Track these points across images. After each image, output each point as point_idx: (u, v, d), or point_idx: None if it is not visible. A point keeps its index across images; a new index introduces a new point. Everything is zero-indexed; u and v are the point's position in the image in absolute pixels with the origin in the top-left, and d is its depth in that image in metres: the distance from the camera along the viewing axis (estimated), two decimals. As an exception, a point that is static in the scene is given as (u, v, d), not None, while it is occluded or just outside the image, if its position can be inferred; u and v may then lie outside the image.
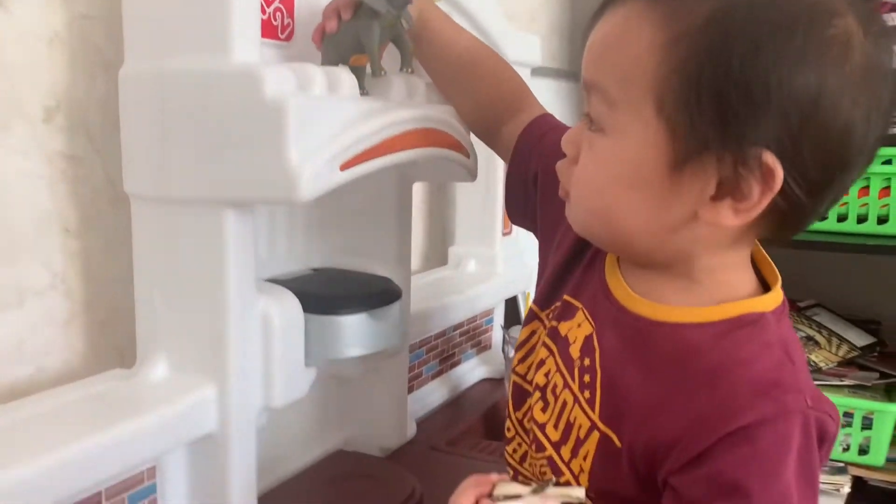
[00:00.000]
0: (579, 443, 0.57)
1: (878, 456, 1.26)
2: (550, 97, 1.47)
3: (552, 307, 0.63)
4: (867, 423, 1.26)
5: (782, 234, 0.54)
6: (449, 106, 0.75)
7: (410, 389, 0.99)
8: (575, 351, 0.58)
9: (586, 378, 0.57)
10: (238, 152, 0.58)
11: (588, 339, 0.58)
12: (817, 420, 0.51)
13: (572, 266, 0.63)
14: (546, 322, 0.63)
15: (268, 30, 0.72)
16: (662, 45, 0.49)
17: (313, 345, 0.68)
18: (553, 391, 0.59)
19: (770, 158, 0.47)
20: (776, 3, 0.47)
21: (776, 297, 0.55)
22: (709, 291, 0.54)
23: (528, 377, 0.64)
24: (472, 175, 0.79)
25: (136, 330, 0.68)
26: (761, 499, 0.49)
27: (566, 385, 0.58)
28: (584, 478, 0.56)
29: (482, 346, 1.17)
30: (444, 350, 1.06)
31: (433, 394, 1.03)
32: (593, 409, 0.56)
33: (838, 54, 0.47)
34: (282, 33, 0.74)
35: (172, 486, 0.65)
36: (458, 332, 1.09)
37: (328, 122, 0.58)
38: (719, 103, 0.47)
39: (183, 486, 0.65)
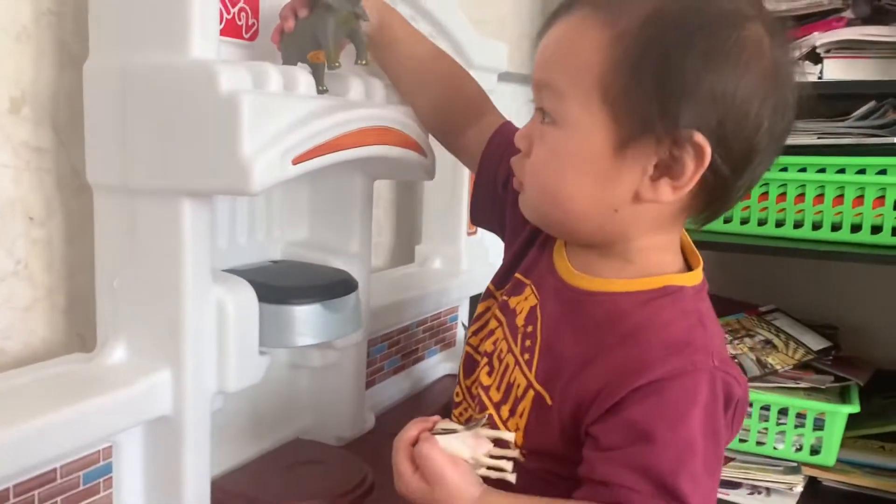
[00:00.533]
0: (517, 401, 0.63)
1: (829, 456, 1.30)
2: (520, 102, 1.50)
3: (505, 287, 0.70)
4: (819, 424, 1.30)
5: (710, 210, 0.62)
6: (406, 107, 0.78)
7: (371, 383, 1.02)
8: (520, 320, 0.66)
9: (527, 343, 0.64)
10: (194, 144, 0.61)
11: (532, 309, 0.65)
12: (724, 381, 0.57)
13: (525, 250, 0.71)
14: (499, 298, 0.70)
15: (232, 29, 0.75)
16: (607, 43, 0.56)
17: (267, 333, 0.70)
18: (498, 356, 0.66)
19: (700, 138, 0.55)
20: (701, 8, 0.56)
21: (696, 276, 0.62)
22: (639, 268, 0.62)
23: (480, 348, 0.71)
24: (429, 174, 0.82)
25: (97, 315, 0.70)
26: (666, 445, 0.54)
27: (510, 350, 0.65)
28: (518, 435, 0.63)
29: (446, 343, 1.19)
30: (406, 346, 1.09)
31: (394, 388, 1.06)
32: (531, 370, 0.63)
33: (752, 54, 0.55)
34: (246, 33, 0.77)
35: (128, 467, 0.67)
36: (421, 328, 1.12)
37: (281, 118, 0.61)
38: (656, 90, 0.55)
39: (138, 466, 0.68)
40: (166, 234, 0.64)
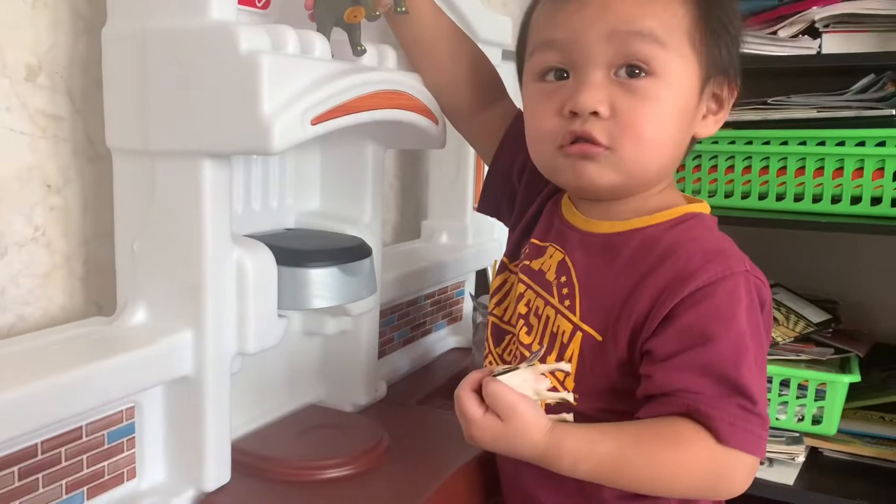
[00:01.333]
0: (563, 347, 0.67)
1: (830, 426, 1.31)
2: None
3: (520, 255, 0.74)
4: (820, 395, 1.32)
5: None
6: (415, 73, 0.79)
7: (382, 353, 1.03)
8: (551, 275, 0.70)
9: (564, 290, 0.68)
10: (215, 105, 0.61)
11: (561, 262, 0.70)
12: (756, 285, 0.64)
13: (533, 222, 0.76)
14: (516, 269, 0.74)
15: (246, -1, 0.76)
16: (681, 1, 0.64)
17: (285, 295, 0.71)
18: (535, 313, 0.70)
19: (737, 75, 0.68)
20: None
21: (706, 207, 0.71)
22: (656, 205, 0.68)
23: (506, 317, 0.75)
24: (439, 142, 0.83)
25: (117, 279, 0.71)
26: (723, 341, 0.59)
27: (547, 303, 0.69)
28: (569, 380, 0.66)
29: (453, 318, 1.21)
30: (415, 318, 1.10)
31: (403, 359, 1.07)
32: (574, 314, 0.67)
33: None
34: (258, 1, 0.77)
35: (150, 427, 0.68)
36: (429, 301, 1.13)
37: (300, 79, 0.62)
38: (724, 36, 0.66)
39: (160, 426, 0.69)
40: (187, 196, 0.65)
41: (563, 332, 0.67)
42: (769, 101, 1.35)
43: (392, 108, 0.71)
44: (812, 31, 1.33)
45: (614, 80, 0.64)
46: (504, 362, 0.74)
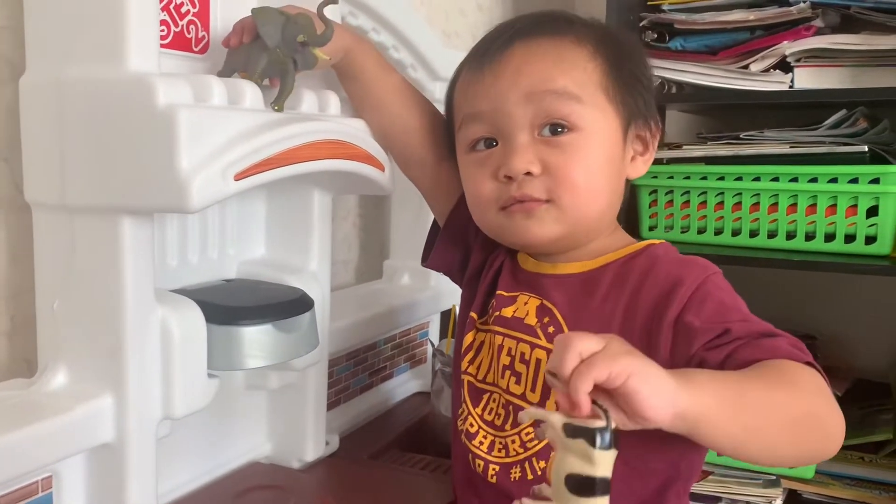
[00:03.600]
0: None
1: (807, 469, 1.28)
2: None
3: (488, 310, 0.74)
4: (797, 437, 1.28)
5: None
6: (359, 120, 0.76)
7: (337, 403, 0.99)
8: (531, 319, 0.70)
9: (551, 329, 0.69)
10: (132, 161, 0.58)
11: (540, 306, 0.70)
12: None
13: (496, 278, 0.76)
14: (486, 323, 0.74)
15: (181, 42, 0.73)
16: (590, 56, 0.68)
17: (216, 355, 0.68)
18: (521, 360, 0.70)
19: (657, 116, 0.73)
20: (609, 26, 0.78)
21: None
22: (615, 244, 0.71)
23: (482, 375, 0.74)
24: (387, 188, 0.80)
25: (38, 339, 0.67)
26: (742, 321, 0.61)
27: (534, 346, 0.69)
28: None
29: (416, 360, 1.17)
30: (374, 363, 1.06)
31: (361, 406, 1.03)
32: None
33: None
34: (196, 46, 0.75)
35: (69, 498, 0.64)
36: (389, 345, 1.10)
37: (222, 132, 0.59)
38: (634, 87, 0.70)
39: (81, 497, 0.65)
40: (106, 254, 0.61)
41: None
42: (741, 135, 1.33)
43: (329, 158, 0.68)
44: (784, 66, 1.31)
45: (539, 139, 0.67)
46: (487, 423, 0.72)
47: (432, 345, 1.08)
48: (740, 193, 1.31)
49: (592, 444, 0.44)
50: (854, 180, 1.21)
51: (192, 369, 0.66)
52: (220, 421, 0.81)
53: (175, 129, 0.56)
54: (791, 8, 1.30)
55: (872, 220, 1.21)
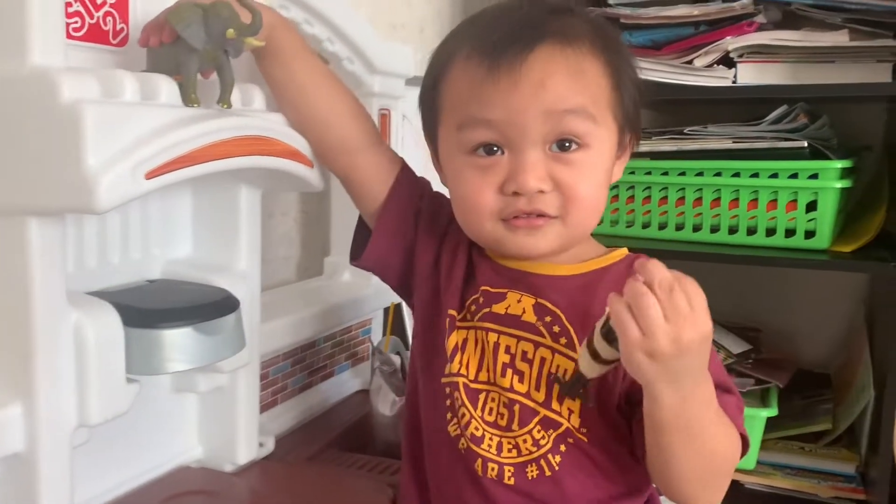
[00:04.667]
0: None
1: (748, 460, 1.30)
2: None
3: (468, 306, 0.72)
4: (739, 429, 1.29)
5: None
6: (280, 115, 0.74)
7: (273, 403, 0.98)
8: (530, 317, 0.69)
9: (556, 328, 0.68)
10: (37, 160, 0.56)
11: (536, 305, 0.69)
12: None
13: (466, 273, 0.74)
14: (469, 320, 0.71)
15: (97, 34, 0.70)
16: (603, 70, 0.67)
17: (135, 359, 0.66)
18: (524, 358, 0.68)
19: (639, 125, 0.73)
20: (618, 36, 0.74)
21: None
22: (598, 250, 0.73)
23: (472, 374, 0.70)
24: (316, 184, 0.78)
25: (-55, 345, 0.64)
26: (713, 357, 0.62)
27: (538, 345, 0.68)
28: (574, 417, 0.67)
29: (358, 358, 1.15)
30: (313, 362, 1.05)
31: (299, 406, 1.01)
32: (574, 350, 0.67)
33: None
34: (114, 38, 0.72)
35: (-23, 510, 0.62)
36: (329, 343, 1.08)
37: (133, 129, 0.57)
38: (629, 93, 0.70)
39: (-10, 509, 0.62)
40: (12, 258, 0.59)
41: (566, 370, 0.67)
42: (686, 130, 1.34)
43: (248, 155, 0.66)
44: (727, 61, 1.32)
45: (549, 154, 0.66)
46: (490, 424, 0.69)
47: (371, 343, 1.07)
48: (684, 188, 1.32)
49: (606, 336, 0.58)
50: (794, 175, 1.23)
51: (109, 375, 0.64)
52: (147, 425, 0.79)
53: (80, 125, 0.53)
54: (734, 4, 1.31)
55: (812, 214, 1.23)
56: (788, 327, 1.62)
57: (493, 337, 0.69)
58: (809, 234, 1.23)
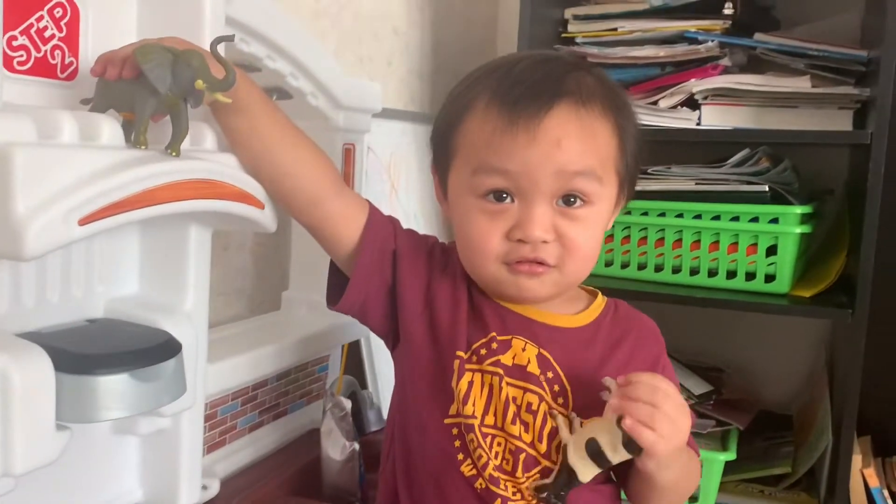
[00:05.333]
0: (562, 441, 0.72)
1: (706, 503, 1.29)
2: (408, 139, 1.47)
3: (476, 349, 0.75)
4: (697, 472, 1.29)
5: None
6: (230, 155, 0.72)
7: (222, 443, 0.95)
8: (534, 369, 0.74)
9: (556, 388, 0.73)
10: (-35, 202, 0.54)
11: (539, 356, 0.74)
12: None
13: (469, 314, 0.77)
14: (478, 363, 0.74)
15: (43, 69, 0.69)
16: (612, 132, 0.73)
17: (68, 406, 0.63)
18: (528, 410, 0.73)
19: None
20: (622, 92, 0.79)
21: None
22: (582, 295, 0.81)
23: (479, 417, 0.73)
24: (267, 226, 0.76)
25: None
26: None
27: (541, 399, 0.73)
28: None
29: (314, 396, 1.13)
30: (265, 401, 1.02)
31: (249, 447, 0.99)
32: (568, 409, 0.73)
33: None
34: (62, 73, 0.70)
35: None
36: (283, 381, 1.05)
37: (67, 173, 0.55)
38: (630, 148, 0.75)
39: None
40: (-63, 300, 0.56)
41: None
42: (649, 170, 1.34)
43: (193, 199, 0.64)
44: (692, 103, 1.33)
45: (556, 208, 0.71)
46: (496, 468, 0.72)
47: (326, 385, 1.05)
48: (646, 228, 1.32)
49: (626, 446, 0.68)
50: (755, 219, 1.23)
51: (37, 422, 0.61)
52: (84, 467, 0.76)
53: (10, 169, 0.52)
54: (699, 46, 1.32)
55: (772, 258, 1.23)
56: (752, 368, 1.62)
57: (504, 385, 0.73)
58: (769, 278, 1.24)
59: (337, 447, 0.93)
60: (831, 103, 1.26)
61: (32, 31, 0.67)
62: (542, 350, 0.74)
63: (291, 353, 1.04)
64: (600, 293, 0.81)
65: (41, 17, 0.68)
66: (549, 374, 0.74)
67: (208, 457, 0.92)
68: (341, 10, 1.29)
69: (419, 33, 1.54)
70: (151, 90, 0.62)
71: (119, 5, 0.73)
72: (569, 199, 0.71)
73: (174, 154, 0.63)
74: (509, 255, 0.72)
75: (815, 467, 1.38)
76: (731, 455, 1.27)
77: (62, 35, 0.70)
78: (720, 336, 1.61)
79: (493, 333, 0.75)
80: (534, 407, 0.73)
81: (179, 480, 0.81)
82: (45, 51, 0.69)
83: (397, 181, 1.43)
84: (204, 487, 0.86)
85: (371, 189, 1.33)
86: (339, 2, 1.28)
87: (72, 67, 0.71)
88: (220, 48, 0.68)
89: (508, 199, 0.72)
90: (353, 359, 1.20)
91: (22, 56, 0.66)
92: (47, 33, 0.68)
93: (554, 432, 0.72)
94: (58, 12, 0.69)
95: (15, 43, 0.65)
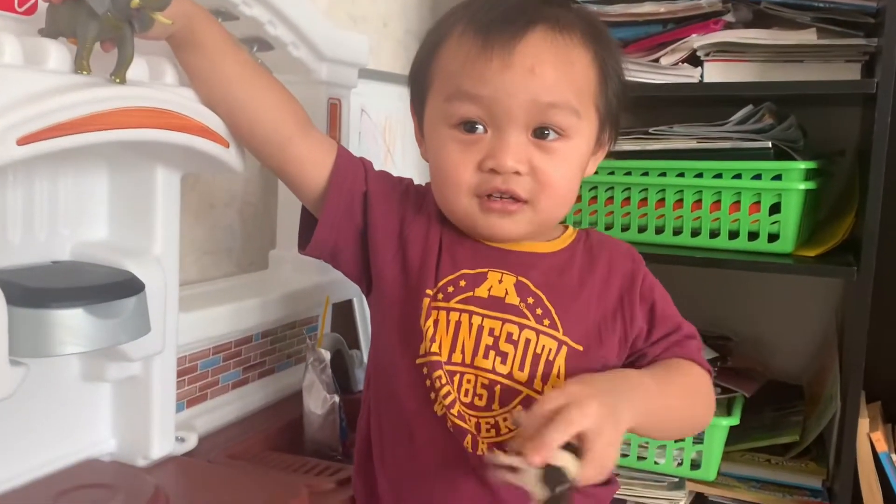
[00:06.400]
0: (549, 364, 0.71)
1: (709, 470, 1.25)
2: (405, 103, 1.44)
3: (443, 287, 0.73)
4: (699, 438, 1.25)
5: None
6: (190, 89, 0.70)
7: (203, 398, 0.94)
8: (513, 298, 0.72)
9: (538, 311, 0.72)
10: None
11: (518, 284, 0.72)
12: None
13: (439, 252, 0.74)
14: (444, 301, 0.72)
15: (1, 2, 0.67)
16: (590, 62, 0.70)
17: (22, 341, 0.62)
18: (508, 340, 0.71)
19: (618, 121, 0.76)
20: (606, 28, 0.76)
21: None
22: (557, 229, 0.79)
23: (444, 355, 0.71)
24: (233, 166, 0.75)
25: None
26: (675, 313, 0.79)
27: (522, 327, 0.71)
28: None
29: (302, 357, 1.11)
30: (249, 357, 1.01)
31: (231, 404, 0.97)
32: (558, 330, 0.71)
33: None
34: (19, 6, 0.69)
35: None
36: (268, 339, 1.04)
37: (6, 93, 0.53)
38: (613, 87, 0.73)
39: None
40: None
41: (550, 350, 0.71)
42: (650, 130, 1.30)
43: (144, 127, 0.62)
44: (694, 60, 1.29)
45: (531, 140, 0.69)
46: (465, 404, 0.70)
47: (308, 339, 1.03)
48: (646, 189, 1.28)
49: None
50: (757, 177, 1.19)
51: (-11, 355, 0.60)
52: (54, 414, 0.75)
53: (-58, 83, 0.50)
54: (701, 1, 1.28)
55: (775, 217, 1.19)
56: (762, 337, 1.58)
57: (476, 320, 0.71)
58: (773, 238, 1.20)
59: (318, 401, 0.92)
60: (838, 56, 1.21)
61: (-13, -38, 0.66)
62: (519, 277, 0.73)
63: (275, 309, 1.02)
64: (570, 225, 0.80)
65: (-4, -51, 0.66)
66: (530, 300, 0.72)
67: (188, 411, 0.91)
68: (333, -33, 1.27)
69: (416, -7, 1.51)
70: (90, 12, 0.60)
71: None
72: (542, 131, 0.69)
73: (118, 81, 0.61)
74: (481, 187, 0.70)
75: (823, 435, 1.34)
76: (734, 420, 1.23)
77: (20, -31, 0.68)
78: (729, 304, 1.57)
79: (464, 270, 0.73)
80: (514, 337, 0.71)
81: (151, 430, 0.80)
82: (3, -15, 0.67)
83: (393, 145, 1.40)
84: (182, 440, 0.85)
85: (366, 152, 1.30)
86: (330, -41, 1.26)
87: (31, 1, 0.69)
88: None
89: (481, 130, 0.70)
90: (345, 319, 1.18)
91: (-23, -13, 0.65)
92: (4, -34, 0.67)
93: (536, 359, 0.70)
94: (15, -55, 0.68)
95: (-31, -27, 0.64)
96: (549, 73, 0.68)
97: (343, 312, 1.19)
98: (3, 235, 0.69)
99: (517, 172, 0.68)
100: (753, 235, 1.21)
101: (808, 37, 1.21)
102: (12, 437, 0.71)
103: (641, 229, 1.30)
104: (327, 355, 0.92)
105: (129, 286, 0.68)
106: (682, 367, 0.76)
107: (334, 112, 1.09)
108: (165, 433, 0.81)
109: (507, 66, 0.67)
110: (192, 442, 0.86)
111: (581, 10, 0.74)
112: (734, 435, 1.28)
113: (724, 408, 1.33)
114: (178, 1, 0.67)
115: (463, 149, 0.70)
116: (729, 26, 1.28)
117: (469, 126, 0.70)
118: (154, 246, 0.77)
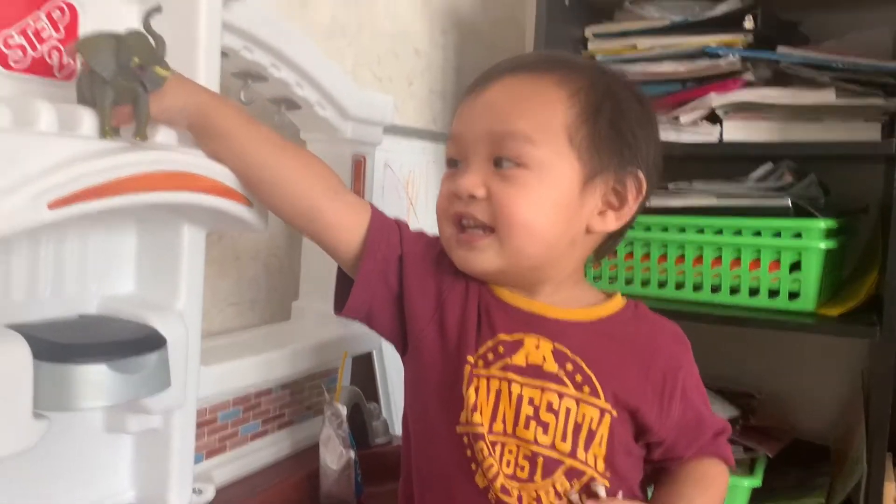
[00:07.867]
0: (592, 434, 0.70)
1: (733, 533, 1.23)
2: (428, 157, 1.48)
3: (484, 354, 0.72)
4: (721, 499, 1.23)
5: (609, 244, 0.80)
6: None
7: (222, 450, 0.95)
8: (551, 366, 0.71)
9: (578, 378, 0.71)
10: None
11: (555, 351, 0.72)
12: None
13: (478, 318, 0.74)
14: (485, 368, 0.72)
15: (40, 68, 0.71)
16: (566, 97, 0.71)
17: (45, 394, 0.64)
18: (549, 409, 0.70)
19: (641, 174, 0.73)
20: (618, 77, 0.76)
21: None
22: (599, 294, 0.79)
23: (486, 425, 0.70)
24: (257, 224, 0.77)
25: None
26: (708, 410, 0.79)
27: (562, 395, 0.71)
28: (600, 462, 0.71)
29: (319, 409, 1.12)
30: (268, 410, 1.02)
31: (250, 456, 0.98)
32: (599, 397, 0.71)
33: (653, 115, 0.77)
34: (59, 72, 0.73)
35: None
36: (288, 390, 1.05)
37: (39, 158, 0.56)
38: (614, 141, 0.71)
39: None
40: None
41: (591, 419, 0.71)
42: (670, 186, 1.31)
43: (168, 190, 0.65)
44: (713, 118, 1.31)
45: (493, 170, 0.71)
46: (508, 476, 0.70)
47: (326, 392, 1.04)
48: (666, 245, 1.29)
49: None
50: (777, 234, 1.19)
51: (14, 409, 0.62)
52: (76, 465, 0.77)
53: (-20, 152, 0.53)
54: (720, 61, 1.30)
55: (795, 275, 1.19)
56: (786, 394, 1.56)
57: (515, 388, 0.71)
58: (793, 296, 1.19)
59: (334, 455, 0.92)
60: (857, 116, 1.21)
61: (29, 31, 0.70)
62: (555, 344, 0.72)
63: (296, 362, 1.03)
64: (620, 293, 0.79)
65: (38, 18, 0.70)
66: (569, 367, 0.71)
67: (207, 462, 0.92)
68: (359, 29, 1.31)
69: (441, 54, 1.55)
70: (102, 80, 0.63)
71: (118, 9, 0.76)
72: (500, 160, 0.71)
73: (140, 139, 0.64)
74: (448, 211, 0.74)
75: (850, 498, 1.31)
76: (756, 482, 1.22)
77: (59, 37, 0.72)
78: (752, 360, 1.56)
79: (500, 335, 0.72)
80: (554, 406, 0.70)
81: (170, 481, 0.81)
82: (43, 51, 0.71)
83: (415, 198, 1.43)
84: (199, 492, 0.86)
85: (388, 205, 1.34)
86: (357, 21, 1.31)
87: (70, 67, 0.73)
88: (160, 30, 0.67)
89: (460, 166, 0.74)
90: (364, 370, 1.19)
91: (18, 55, 0.69)
92: (45, 34, 0.71)
93: (578, 428, 0.70)
94: (56, 14, 0.72)
95: (11, 42, 0.68)
96: (505, 106, 0.71)
97: (363, 364, 1.21)
98: (34, 290, 0.72)
99: (473, 196, 0.71)
100: (774, 293, 1.21)
101: (828, 97, 1.22)
102: (35, 486, 0.73)
103: (661, 285, 1.30)
104: (344, 410, 0.92)
105: (152, 341, 0.70)
106: (707, 478, 0.76)
107: (359, 169, 1.12)
108: (183, 485, 0.82)
109: (473, 104, 0.73)
110: (209, 494, 0.87)
111: (585, 64, 0.79)
112: (757, 497, 1.25)
113: (746, 468, 1.31)
114: (188, 93, 0.69)
115: (446, 182, 0.75)
116: (748, 85, 1.29)
117: (452, 163, 0.76)
118: (178, 301, 0.79)
